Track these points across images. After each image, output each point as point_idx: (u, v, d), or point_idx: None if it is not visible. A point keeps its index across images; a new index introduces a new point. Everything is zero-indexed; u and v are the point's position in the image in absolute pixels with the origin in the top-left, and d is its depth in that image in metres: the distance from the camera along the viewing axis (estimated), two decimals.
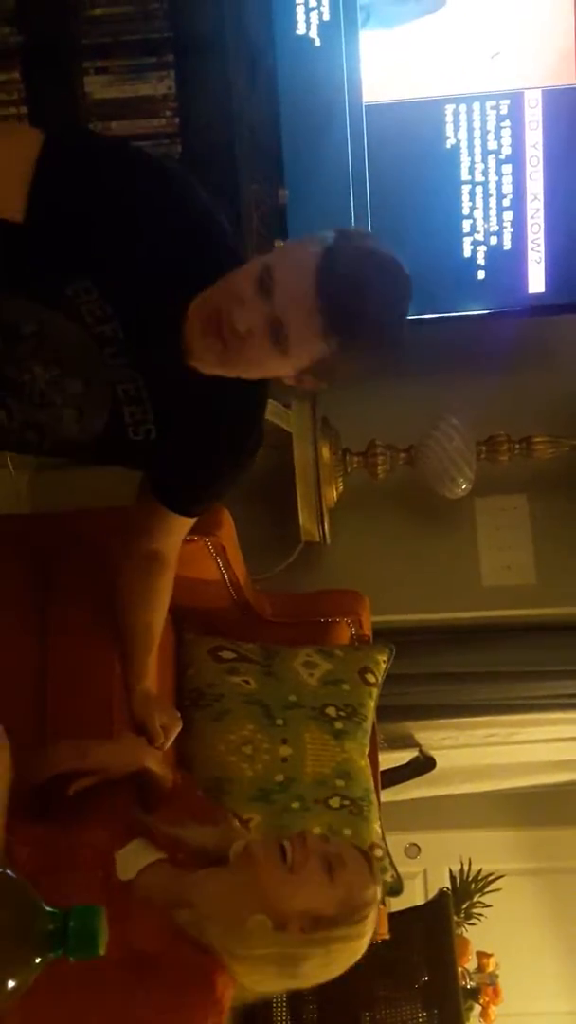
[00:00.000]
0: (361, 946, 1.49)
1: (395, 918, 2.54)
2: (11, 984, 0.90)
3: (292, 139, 2.83)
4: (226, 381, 1.54)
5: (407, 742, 3.37)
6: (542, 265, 2.90)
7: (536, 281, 2.91)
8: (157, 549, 1.90)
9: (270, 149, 2.83)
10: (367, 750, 2.48)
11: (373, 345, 1.49)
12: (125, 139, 1.57)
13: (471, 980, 3.35)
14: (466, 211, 2.88)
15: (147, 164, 1.50)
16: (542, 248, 2.89)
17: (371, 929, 1.50)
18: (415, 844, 3.91)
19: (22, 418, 1.63)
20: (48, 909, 0.91)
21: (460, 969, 2.98)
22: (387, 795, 2.90)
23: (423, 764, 3.34)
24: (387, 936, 2.38)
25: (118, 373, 1.57)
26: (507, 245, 2.89)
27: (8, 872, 0.92)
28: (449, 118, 2.83)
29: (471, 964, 3.39)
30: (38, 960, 0.89)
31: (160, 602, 1.96)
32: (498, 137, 2.86)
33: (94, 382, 1.57)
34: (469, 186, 2.87)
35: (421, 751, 3.36)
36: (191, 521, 1.88)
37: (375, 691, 2.51)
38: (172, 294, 1.49)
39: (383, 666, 2.55)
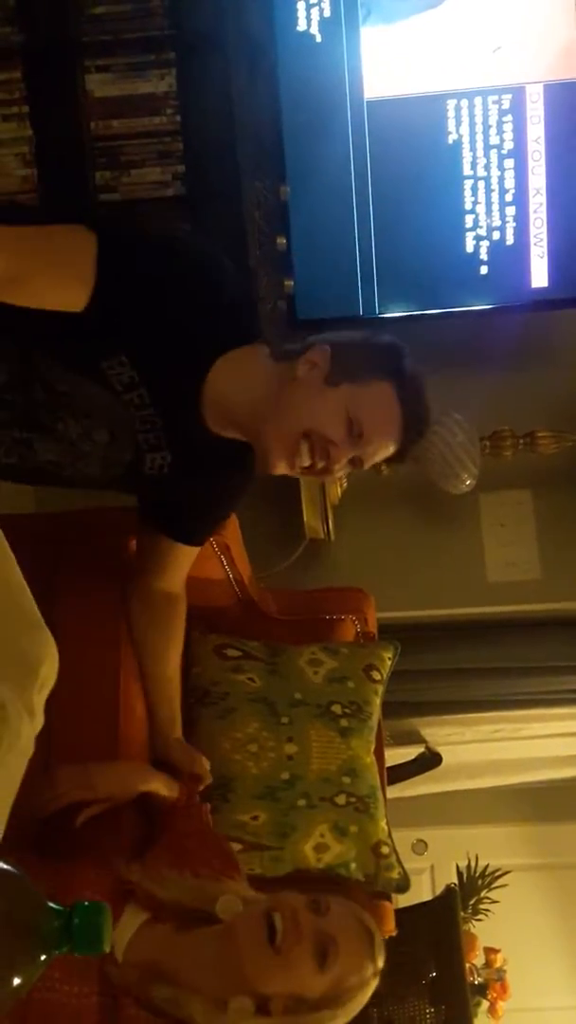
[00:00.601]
0: (350, 1014, 1.42)
1: (402, 914, 2.54)
2: (16, 981, 0.90)
3: (293, 136, 2.83)
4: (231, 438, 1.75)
5: (413, 738, 3.37)
6: (545, 260, 2.90)
7: (539, 276, 2.91)
8: (169, 587, 2.00)
9: (271, 146, 2.83)
10: (373, 747, 2.48)
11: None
12: (164, 233, 1.76)
13: (479, 976, 3.35)
14: (468, 206, 2.88)
15: (181, 257, 1.66)
16: (545, 243, 2.89)
17: (363, 1001, 1.42)
18: (422, 840, 3.91)
19: (45, 457, 1.75)
20: (52, 906, 0.91)
21: (468, 965, 2.98)
22: (393, 791, 2.89)
23: (429, 760, 3.34)
24: (394, 932, 2.37)
25: (142, 425, 1.72)
26: (509, 240, 2.89)
27: (11, 868, 0.92)
28: (451, 113, 2.83)
29: (479, 960, 3.39)
30: (43, 957, 0.89)
31: (180, 642, 2.05)
32: (500, 132, 2.85)
33: (119, 433, 1.72)
34: (471, 181, 2.87)
35: (427, 747, 3.36)
36: (196, 551, 1.99)
37: (380, 688, 2.50)
38: (193, 366, 1.67)
39: (388, 663, 2.54)
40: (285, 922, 1.39)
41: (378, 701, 2.49)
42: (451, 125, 2.84)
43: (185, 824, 1.70)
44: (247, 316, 1.78)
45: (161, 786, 1.70)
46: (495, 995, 3.36)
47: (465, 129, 2.84)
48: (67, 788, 1.64)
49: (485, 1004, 3.35)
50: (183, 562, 1.98)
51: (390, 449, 1.70)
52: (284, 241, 2.87)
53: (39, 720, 1.27)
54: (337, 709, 2.40)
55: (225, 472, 1.83)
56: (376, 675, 2.50)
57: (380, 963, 1.45)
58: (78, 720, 1.96)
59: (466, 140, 2.85)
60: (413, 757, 3.33)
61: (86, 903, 0.91)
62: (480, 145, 2.86)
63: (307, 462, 1.65)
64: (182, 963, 1.40)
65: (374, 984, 1.44)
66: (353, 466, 1.70)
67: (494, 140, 2.85)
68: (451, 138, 2.85)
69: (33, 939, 0.90)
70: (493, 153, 2.86)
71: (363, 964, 1.42)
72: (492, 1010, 3.37)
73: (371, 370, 1.68)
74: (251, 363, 1.70)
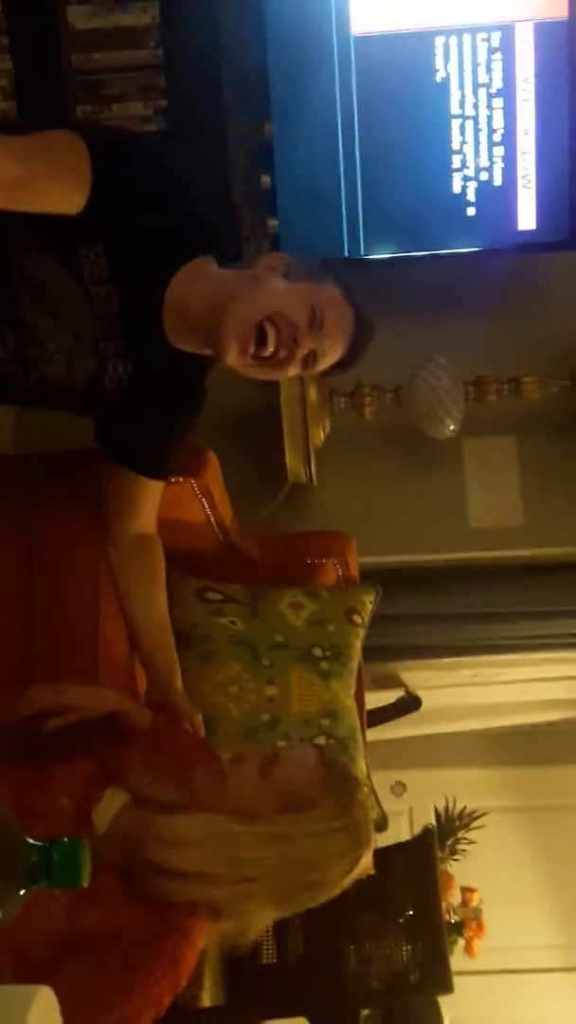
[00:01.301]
0: (318, 847, 1.43)
1: (380, 854, 2.56)
2: None
3: (279, 72, 2.78)
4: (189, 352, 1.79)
5: (393, 682, 3.39)
6: (533, 202, 2.86)
7: (527, 218, 2.88)
8: (141, 528, 2.00)
9: (256, 82, 2.78)
10: (353, 690, 2.49)
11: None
12: (149, 139, 1.85)
13: (455, 914, 3.40)
14: (456, 146, 2.84)
15: (167, 161, 1.70)
16: (533, 184, 2.86)
17: (329, 826, 1.44)
18: (401, 782, 3.95)
19: (15, 350, 1.74)
20: (31, 842, 0.91)
21: (444, 903, 3.02)
22: (373, 734, 2.92)
23: (409, 704, 3.37)
24: (372, 871, 2.41)
25: (104, 331, 1.74)
26: (497, 181, 2.86)
27: None
28: (439, 51, 2.78)
29: (455, 899, 3.44)
30: (22, 892, 0.90)
31: (163, 585, 2.04)
32: (489, 70, 2.81)
33: (81, 336, 1.74)
34: (459, 120, 2.83)
35: (407, 691, 3.38)
36: (161, 487, 1.99)
37: (361, 631, 2.51)
38: (160, 268, 1.71)
39: (369, 607, 2.55)
40: (232, 757, 1.51)
41: (359, 644, 2.50)
42: (439, 63, 2.79)
43: (168, 732, 1.74)
44: (216, 231, 1.82)
45: (132, 709, 1.72)
46: (471, 933, 3.42)
47: (453, 67, 2.79)
48: (38, 695, 1.66)
49: (461, 942, 3.41)
50: (151, 499, 1.98)
51: (340, 350, 1.75)
52: (268, 179, 2.83)
53: None
54: (318, 652, 2.41)
55: (180, 395, 1.87)
56: (357, 619, 2.50)
57: (347, 785, 1.49)
58: (58, 649, 1.96)
59: (454, 78, 2.80)
60: (393, 701, 3.35)
61: (65, 839, 0.91)
62: (468, 83, 2.81)
63: (271, 346, 1.68)
64: (159, 828, 1.46)
65: (344, 811, 1.45)
66: (305, 366, 1.73)
67: (483, 79, 2.81)
68: (439, 76, 2.80)
69: (12, 874, 0.91)
70: (482, 92, 2.81)
71: (311, 774, 1.47)
72: (468, 948, 3.42)
73: (323, 272, 1.76)
74: (210, 269, 1.74)
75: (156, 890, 1.43)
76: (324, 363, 1.76)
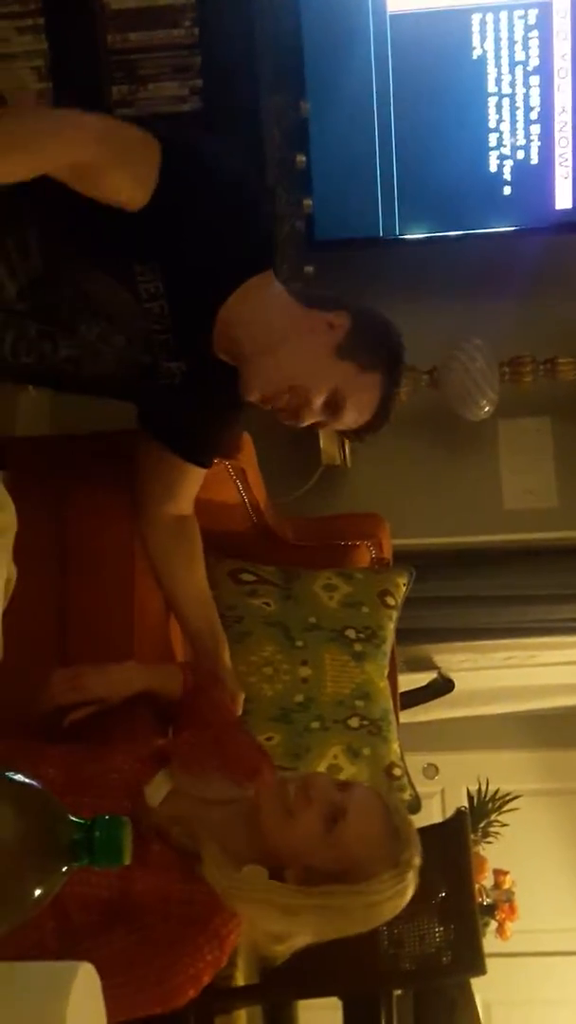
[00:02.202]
0: (367, 904, 1.41)
1: None
2: (37, 892, 0.91)
3: (314, 50, 2.77)
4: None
5: (426, 664, 3.39)
6: (570, 180, 2.83)
7: (564, 197, 2.85)
8: (179, 510, 2.00)
9: (292, 60, 2.76)
10: (386, 671, 2.49)
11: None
12: (219, 151, 1.76)
13: (488, 897, 3.40)
14: (492, 124, 2.81)
15: (235, 178, 1.71)
16: (570, 163, 2.83)
17: (381, 891, 1.40)
18: (433, 764, 3.95)
19: (63, 354, 1.76)
20: (73, 819, 0.92)
21: (477, 886, 3.02)
22: (406, 716, 2.92)
23: (442, 686, 3.36)
24: None
25: (156, 340, 1.75)
26: (534, 159, 2.83)
27: (33, 783, 0.93)
28: (475, 28, 2.75)
29: (488, 881, 3.45)
30: (64, 869, 0.90)
31: (202, 560, 2.03)
32: (526, 48, 2.78)
33: (135, 340, 1.75)
34: (496, 98, 2.80)
35: (440, 673, 3.38)
36: (203, 474, 2.00)
37: (394, 613, 2.51)
38: (218, 287, 1.71)
39: (403, 589, 2.55)
40: (297, 788, 1.44)
41: (392, 626, 2.50)
42: (476, 40, 2.76)
43: (201, 715, 1.72)
44: (273, 247, 1.82)
45: (155, 681, 1.71)
46: (503, 916, 3.42)
47: (490, 44, 2.77)
48: (58, 690, 1.66)
49: (493, 924, 3.41)
50: (191, 484, 1.98)
51: (361, 424, 1.79)
52: (303, 159, 2.81)
53: (5, 566, 1.40)
54: (351, 634, 2.42)
55: (227, 394, 1.85)
56: (390, 600, 2.50)
57: (406, 855, 1.43)
58: (94, 620, 1.97)
59: (491, 56, 2.77)
60: (426, 683, 3.35)
61: (107, 817, 0.92)
62: (505, 61, 2.78)
63: (281, 406, 1.72)
64: (209, 825, 1.45)
65: (400, 878, 1.41)
66: (316, 427, 1.80)
67: (520, 56, 2.78)
68: (476, 54, 2.77)
69: (55, 852, 0.91)
70: (518, 70, 2.78)
71: (376, 842, 1.42)
72: (500, 930, 3.43)
73: (377, 361, 1.75)
74: (269, 291, 1.72)
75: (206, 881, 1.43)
76: (331, 429, 1.85)
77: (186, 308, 1.70)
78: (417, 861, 1.45)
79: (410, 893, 1.44)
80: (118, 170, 1.57)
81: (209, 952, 1.41)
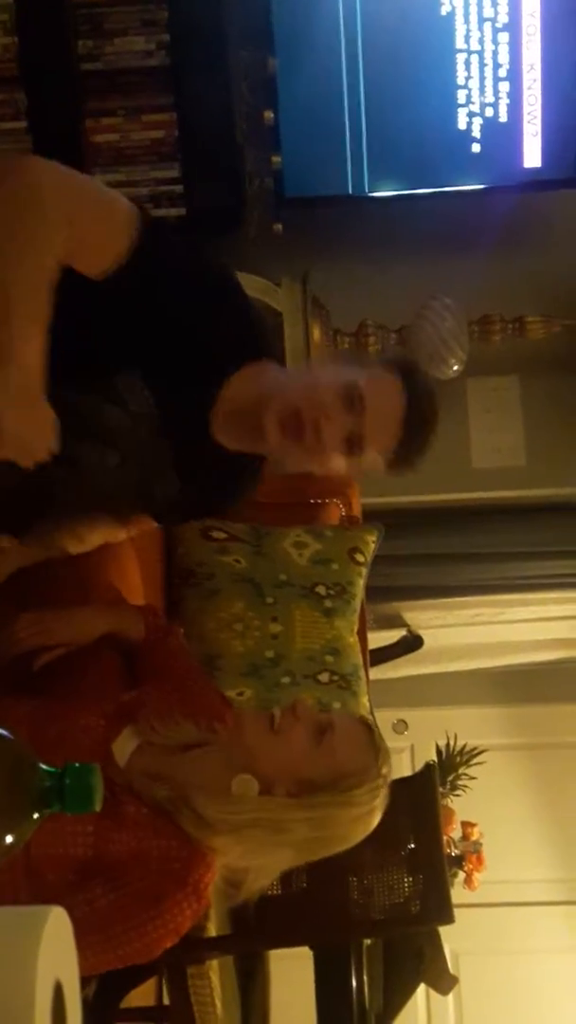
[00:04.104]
0: (352, 816, 1.45)
1: None
2: (8, 839, 0.92)
3: (282, 5, 2.74)
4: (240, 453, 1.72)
5: (396, 622, 3.42)
6: (538, 138, 2.84)
7: (532, 155, 2.85)
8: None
9: (259, 16, 2.74)
10: (356, 628, 2.52)
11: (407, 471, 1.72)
12: (198, 249, 1.68)
13: (456, 848, 3.45)
14: (461, 81, 2.80)
15: (212, 278, 1.65)
16: (539, 121, 2.82)
17: (366, 801, 1.44)
18: (403, 720, 3.99)
19: (63, 474, 1.68)
20: (44, 767, 0.93)
21: (445, 837, 3.06)
22: (376, 673, 2.94)
23: (411, 643, 3.39)
24: None
25: (152, 451, 1.69)
26: (503, 117, 2.83)
27: (3, 732, 0.94)
28: None
29: (456, 833, 3.49)
30: (35, 816, 0.92)
31: None
32: (495, 4, 2.76)
33: (129, 459, 1.69)
34: (464, 55, 2.79)
35: (409, 630, 3.41)
36: None
37: (364, 570, 2.53)
38: (207, 383, 1.65)
39: (372, 546, 2.57)
40: (284, 711, 1.48)
41: (361, 583, 2.53)
42: None
43: (164, 662, 1.73)
44: (263, 335, 1.75)
45: (121, 623, 1.73)
46: (471, 867, 3.47)
47: (459, 0, 2.75)
48: (23, 634, 1.66)
49: (461, 875, 3.45)
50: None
51: (391, 440, 1.62)
52: (272, 115, 2.80)
53: None
54: (321, 590, 2.44)
55: (227, 482, 1.82)
56: (360, 557, 2.53)
57: (384, 769, 1.48)
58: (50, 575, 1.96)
59: (460, 12, 2.76)
60: (395, 640, 3.38)
61: (77, 764, 0.93)
62: (474, 18, 2.77)
63: (302, 430, 1.59)
64: (184, 771, 1.48)
65: (380, 790, 1.46)
66: (351, 451, 1.62)
67: (488, 13, 2.77)
68: (444, 9, 2.76)
69: (25, 799, 0.92)
70: (487, 26, 2.77)
71: (362, 755, 1.47)
72: (468, 881, 3.47)
73: (384, 365, 1.68)
74: (264, 371, 1.68)
75: (187, 830, 1.45)
76: (373, 445, 1.62)
77: (178, 411, 1.66)
78: (390, 776, 1.50)
79: (382, 811, 1.49)
80: (87, 231, 1.51)
81: (188, 907, 1.44)
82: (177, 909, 1.42)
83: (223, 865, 1.48)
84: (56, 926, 0.92)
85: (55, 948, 0.90)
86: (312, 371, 1.68)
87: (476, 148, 2.85)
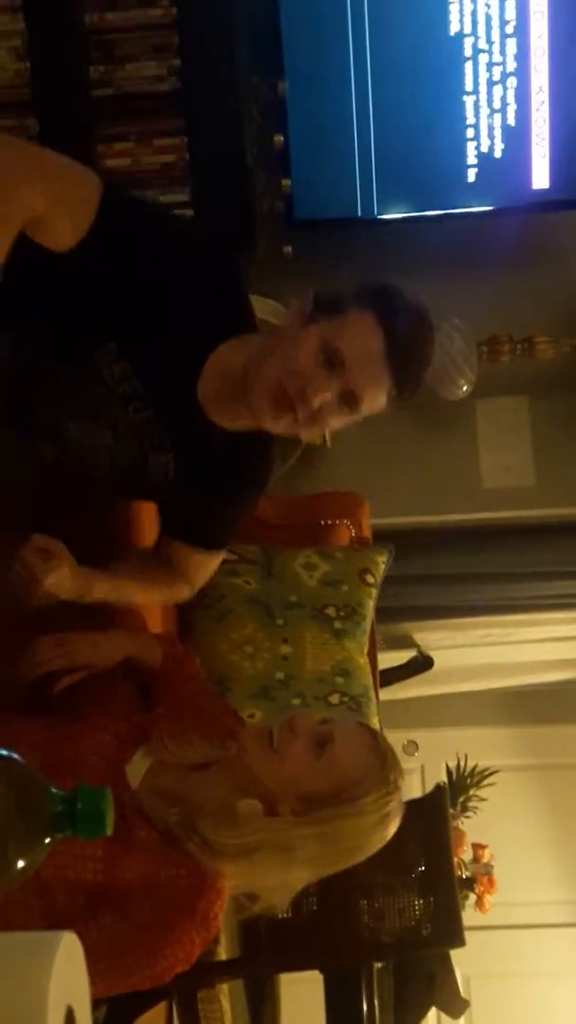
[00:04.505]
0: (363, 826, 1.43)
1: None
2: (20, 864, 0.92)
3: (292, 30, 2.77)
4: (243, 432, 1.68)
5: (406, 642, 3.41)
6: (547, 160, 2.85)
7: (540, 176, 2.86)
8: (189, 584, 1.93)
9: (269, 40, 2.76)
10: (366, 649, 2.52)
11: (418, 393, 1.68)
12: (165, 209, 1.66)
13: (467, 870, 3.44)
14: (469, 103, 2.82)
15: (183, 239, 1.64)
16: (547, 142, 2.84)
17: (375, 809, 1.42)
18: (413, 741, 3.98)
19: (56, 457, 1.71)
20: (55, 791, 0.93)
21: (456, 860, 3.05)
22: (386, 693, 2.94)
23: (421, 663, 3.39)
24: None
25: (143, 426, 1.67)
26: (512, 139, 2.84)
27: (15, 756, 0.94)
28: (454, 4, 2.76)
29: (467, 855, 3.48)
30: (46, 840, 0.92)
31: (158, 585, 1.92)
32: (503, 24, 2.79)
33: (121, 434, 1.68)
34: (473, 77, 2.81)
35: (419, 651, 3.40)
36: (218, 556, 1.92)
37: (374, 591, 2.53)
38: (190, 354, 1.63)
39: (382, 567, 2.57)
40: (282, 727, 1.46)
41: (372, 604, 2.53)
42: (453, 15, 2.77)
43: (179, 687, 1.73)
44: (248, 307, 1.72)
45: (139, 649, 1.72)
46: (482, 889, 3.46)
47: (468, 20, 2.77)
48: (45, 657, 1.66)
49: (472, 897, 3.44)
50: (209, 565, 1.92)
51: (383, 381, 1.58)
52: (281, 139, 2.82)
53: None
54: (331, 612, 2.44)
55: (233, 477, 1.79)
56: (370, 579, 2.53)
57: (392, 775, 1.45)
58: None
59: (468, 32, 2.78)
60: (406, 661, 3.38)
61: (88, 788, 0.93)
62: (483, 38, 2.79)
63: (287, 402, 1.56)
64: (192, 792, 1.47)
65: (390, 796, 1.44)
66: (349, 406, 1.59)
67: (496, 33, 2.78)
68: (453, 29, 2.78)
69: (37, 823, 0.93)
70: (496, 47, 2.79)
71: (366, 761, 1.45)
72: (479, 903, 3.46)
73: (350, 301, 1.60)
74: (247, 339, 1.66)
75: (196, 856, 1.44)
76: (367, 397, 1.59)
77: (160, 384, 1.64)
78: (402, 784, 1.47)
79: (398, 818, 1.47)
80: (51, 204, 1.48)
81: (197, 935, 1.43)
82: (187, 938, 1.42)
83: (235, 886, 1.47)
84: (68, 951, 0.92)
85: (67, 973, 0.90)
86: (285, 338, 1.59)
87: (485, 170, 2.86)
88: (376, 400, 1.61)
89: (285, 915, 2.66)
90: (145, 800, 1.48)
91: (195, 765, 1.52)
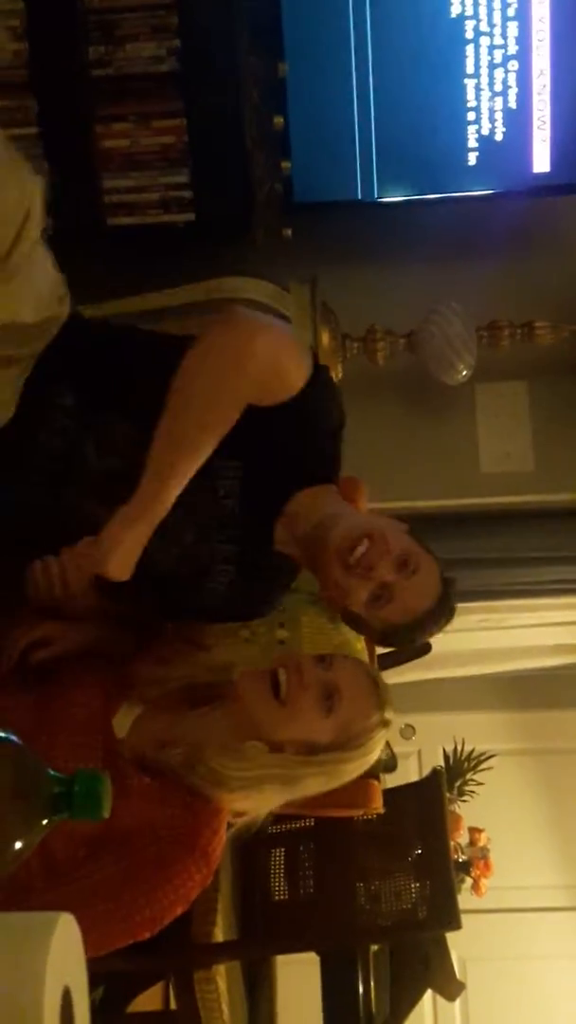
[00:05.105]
0: (365, 763, 1.50)
1: (390, 794, 2.60)
2: (17, 846, 0.92)
3: (292, 10, 2.75)
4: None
5: None
6: (547, 144, 2.84)
7: (541, 160, 2.85)
8: None
9: (269, 21, 2.75)
10: None
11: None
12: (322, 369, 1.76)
13: (463, 854, 3.45)
14: (470, 86, 2.81)
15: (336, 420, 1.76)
16: (548, 126, 2.83)
17: (376, 747, 1.50)
18: (410, 725, 4.00)
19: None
20: (52, 773, 0.93)
21: (452, 843, 3.07)
22: (384, 678, 2.94)
23: (419, 648, 3.39)
24: (382, 810, 2.44)
25: (221, 535, 1.73)
26: (513, 122, 2.83)
27: (11, 737, 0.94)
28: None
29: (463, 839, 3.49)
30: (44, 822, 0.92)
31: None
32: (504, 7, 2.77)
33: (202, 537, 1.72)
34: (474, 60, 2.79)
35: None
36: None
37: None
38: (280, 492, 1.72)
39: None
40: (289, 675, 1.47)
41: None
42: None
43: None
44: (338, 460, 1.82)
45: (104, 633, 1.73)
46: (478, 872, 3.47)
47: (469, 2, 2.76)
48: (19, 638, 1.66)
49: (469, 881, 3.46)
50: None
51: (412, 612, 1.68)
52: (282, 120, 2.80)
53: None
54: None
55: (272, 589, 1.86)
56: None
57: (387, 714, 1.51)
58: None
59: (469, 15, 2.76)
60: None
61: (87, 771, 0.93)
62: (484, 21, 2.77)
63: (357, 557, 1.63)
64: (190, 732, 1.49)
65: (382, 734, 1.50)
66: (379, 597, 1.66)
67: (498, 17, 2.77)
68: (454, 11, 2.76)
69: (34, 805, 0.93)
70: (497, 31, 2.78)
71: (369, 710, 1.49)
72: (475, 887, 3.48)
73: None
74: (330, 493, 1.75)
75: (201, 788, 1.46)
76: (393, 607, 1.67)
77: (256, 505, 1.71)
78: (392, 715, 1.53)
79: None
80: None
81: (197, 871, 1.45)
82: (186, 874, 1.44)
83: (232, 812, 1.50)
84: (65, 932, 0.92)
85: (64, 954, 0.91)
86: (376, 523, 1.70)
87: (485, 153, 2.85)
88: (386, 618, 1.69)
89: (282, 897, 2.68)
90: (144, 749, 1.49)
91: (188, 698, 1.53)
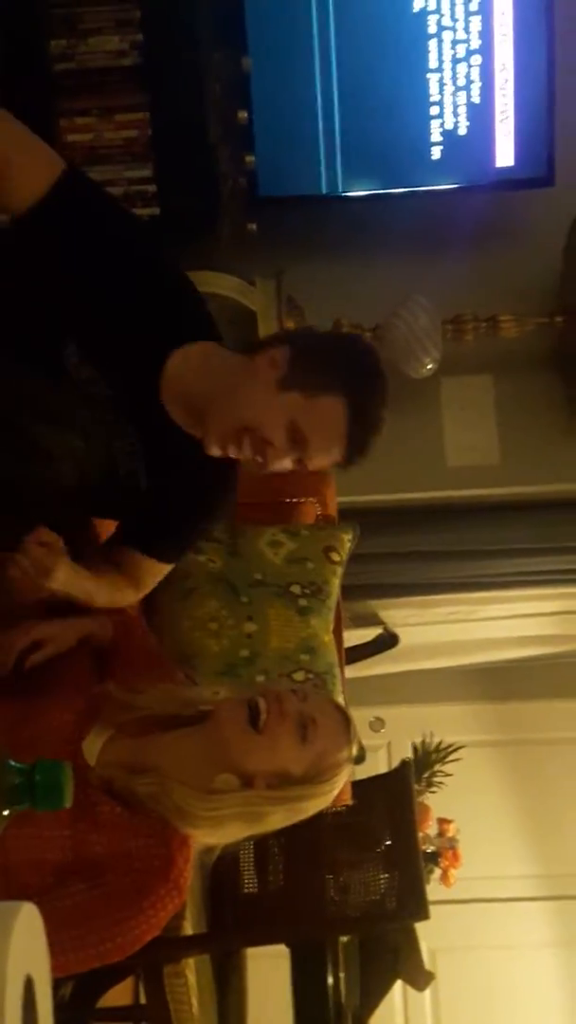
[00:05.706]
0: (328, 799, 1.51)
1: (358, 786, 2.61)
2: None
3: (255, 5, 2.76)
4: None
5: (372, 620, 3.43)
6: (511, 138, 2.85)
7: (505, 155, 2.87)
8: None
9: (233, 15, 2.75)
10: (331, 626, 2.52)
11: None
12: (128, 211, 1.72)
13: (432, 845, 3.47)
14: (434, 81, 2.82)
15: (144, 244, 1.67)
16: (511, 120, 2.84)
17: (340, 783, 1.50)
18: (379, 718, 4.01)
19: (25, 468, 1.68)
20: (13, 764, 0.93)
21: (421, 834, 3.08)
22: (352, 671, 2.95)
23: (387, 641, 3.41)
24: (350, 802, 2.45)
25: (112, 430, 1.67)
26: (475, 117, 2.84)
27: None
28: None
29: (432, 830, 3.51)
30: (5, 812, 0.92)
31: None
32: (467, 2, 2.78)
33: (92, 439, 1.67)
34: (437, 54, 2.80)
35: (385, 628, 3.42)
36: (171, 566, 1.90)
37: (339, 569, 2.54)
38: (148, 356, 1.64)
39: (348, 545, 2.57)
40: (269, 703, 1.47)
41: (337, 582, 2.53)
42: None
43: (129, 654, 1.74)
44: (205, 314, 1.74)
45: (98, 627, 1.73)
46: (447, 863, 3.49)
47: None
48: (12, 642, 1.66)
49: (437, 872, 3.47)
50: (162, 572, 1.89)
51: (334, 458, 1.66)
52: (245, 115, 2.80)
53: None
54: (296, 589, 2.44)
55: (203, 479, 1.78)
56: (335, 556, 2.53)
57: (353, 750, 1.53)
58: None
59: (432, 10, 2.77)
60: (371, 638, 3.39)
61: (48, 761, 0.93)
62: (447, 16, 2.78)
63: (247, 455, 1.61)
64: (162, 758, 1.48)
65: (348, 770, 1.52)
66: (295, 465, 1.65)
67: (460, 12, 2.78)
68: (417, 6, 2.77)
69: None
70: (460, 25, 2.79)
71: (340, 743, 1.50)
72: (444, 877, 3.49)
73: (325, 383, 1.62)
74: (212, 354, 1.67)
75: (169, 819, 1.46)
76: (315, 466, 1.67)
77: (124, 384, 1.64)
78: (356, 748, 1.55)
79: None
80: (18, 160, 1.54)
81: (170, 901, 1.46)
82: (160, 904, 1.44)
83: (198, 844, 1.51)
84: (27, 921, 0.92)
85: (26, 943, 0.91)
86: (255, 389, 1.61)
87: (449, 147, 2.86)
88: (322, 465, 1.68)
89: (251, 890, 2.68)
90: (112, 774, 1.48)
91: (157, 723, 1.53)
